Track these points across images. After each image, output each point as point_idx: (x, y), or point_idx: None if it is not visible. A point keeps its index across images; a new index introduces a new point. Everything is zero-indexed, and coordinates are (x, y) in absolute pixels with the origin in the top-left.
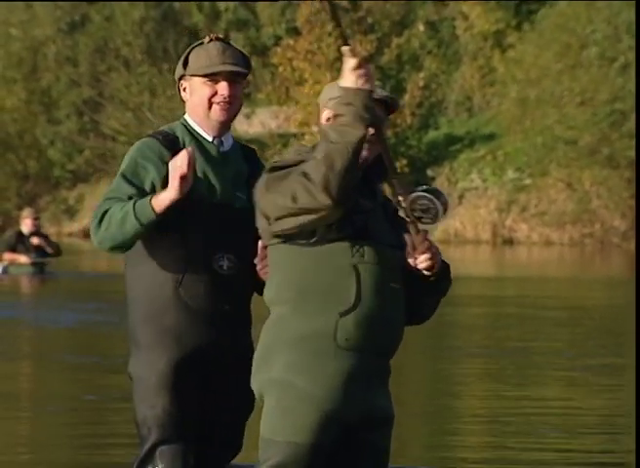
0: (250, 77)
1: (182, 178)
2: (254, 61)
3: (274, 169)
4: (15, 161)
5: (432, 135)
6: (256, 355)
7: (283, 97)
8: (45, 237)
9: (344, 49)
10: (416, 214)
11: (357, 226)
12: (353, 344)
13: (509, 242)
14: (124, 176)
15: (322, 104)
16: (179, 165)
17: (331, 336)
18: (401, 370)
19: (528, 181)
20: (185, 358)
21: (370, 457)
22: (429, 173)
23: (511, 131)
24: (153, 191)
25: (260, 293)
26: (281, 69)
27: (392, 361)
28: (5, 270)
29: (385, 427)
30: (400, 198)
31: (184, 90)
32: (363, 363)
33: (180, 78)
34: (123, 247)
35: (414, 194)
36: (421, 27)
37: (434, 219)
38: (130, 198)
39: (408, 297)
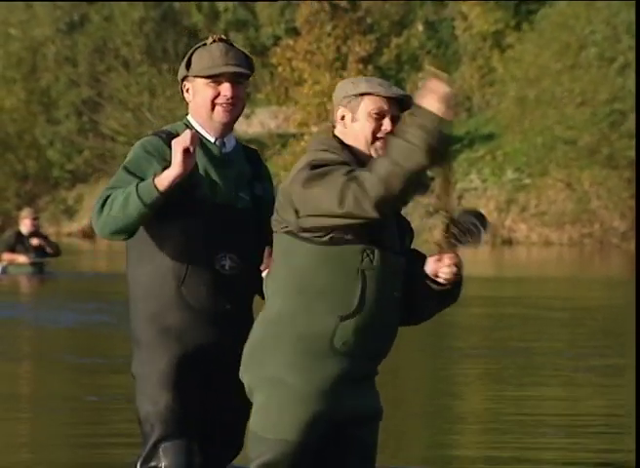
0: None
1: (186, 153)
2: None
3: (315, 166)
4: (14, 161)
5: None
6: (248, 347)
7: (282, 98)
8: (44, 237)
9: (430, 68)
10: (456, 233)
11: (374, 232)
12: (349, 349)
13: (508, 242)
14: (126, 169)
15: (336, 102)
16: (181, 141)
17: (328, 339)
18: (401, 370)
19: (527, 181)
20: (187, 357)
21: (358, 452)
22: (428, 173)
23: (510, 130)
24: None
25: (262, 294)
26: (280, 69)
27: (392, 361)
28: (4, 270)
29: (373, 423)
30: (445, 213)
31: (187, 91)
32: (355, 366)
33: (183, 79)
34: (125, 232)
35: (462, 214)
36: (420, 27)
37: (475, 243)
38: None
39: (411, 298)
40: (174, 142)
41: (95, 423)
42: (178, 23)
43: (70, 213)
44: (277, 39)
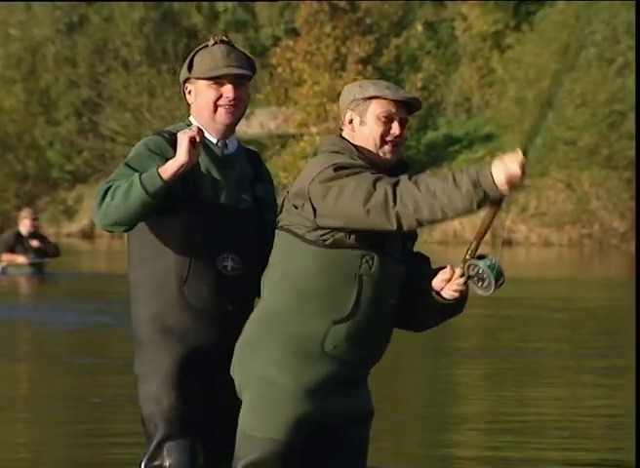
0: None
1: (192, 143)
2: None
3: (340, 167)
4: (13, 162)
5: (431, 135)
6: (240, 344)
7: (282, 98)
8: (43, 238)
9: (519, 153)
10: (471, 275)
11: (376, 238)
12: (339, 353)
13: (508, 243)
14: (128, 165)
15: (344, 106)
16: (188, 132)
17: (319, 341)
18: (401, 371)
19: (527, 182)
20: (190, 357)
21: (350, 452)
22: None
23: (510, 130)
24: None
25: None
26: (280, 70)
27: (392, 361)
28: (4, 271)
29: (365, 423)
30: (470, 253)
31: (189, 93)
32: (345, 370)
33: (185, 81)
34: (126, 223)
35: (485, 261)
36: (420, 28)
37: (483, 292)
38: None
39: (411, 305)
40: (180, 133)
41: (95, 423)
42: (177, 24)
43: (70, 213)
44: (277, 40)
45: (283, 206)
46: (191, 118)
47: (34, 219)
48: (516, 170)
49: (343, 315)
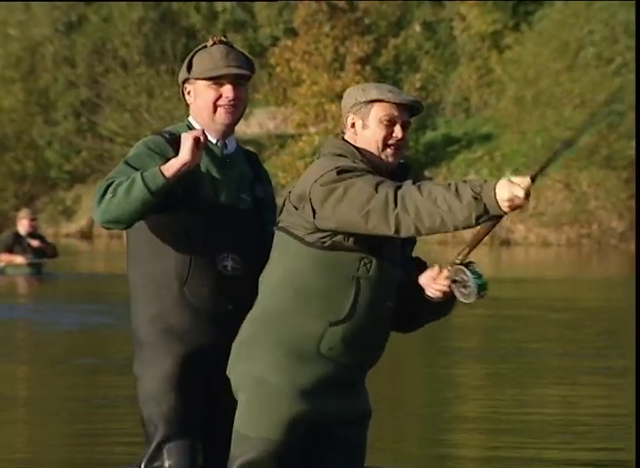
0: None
1: (196, 143)
2: None
3: (343, 171)
4: (12, 162)
5: (430, 135)
6: (236, 344)
7: (280, 98)
8: (41, 238)
9: (527, 179)
10: (457, 280)
11: (374, 241)
12: (335, 355)
13: (507, 243)
14: (127, 163)
15: (346, 109)
16: (193, 132)
17: (315, 342)
18: (400, 371)
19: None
20: (190, 357)
21: (347, 453)
22: (427, 173)
23: (509, 130)
24: None
25: None
26: (278, 70)
27: (391, 362)
28: (2, 271)
29: (362, 424)
30: (459, 260)
31: (188, 93)
32: (340, 372)
33: (184, 81)
34: (126, 220)
35: (468, 268)
36: (418, 28)
37: (463, 299)
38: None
39: (405, 306)
40: (184, 133)
41: (95, 424)
42: (176, 24)
43: (68, 213)
44: (275, 40)
45: (283, 206)
46: (190, 118)
47: (32, 220)
48: (520, 193)
49: (340, 317)
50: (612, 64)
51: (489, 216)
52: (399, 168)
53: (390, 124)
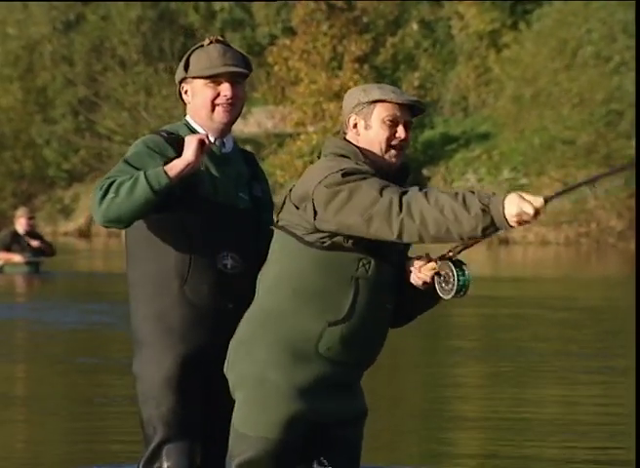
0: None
1: (201, 144)
2: None
3: (347, 174)
4: (10, 160)
5: (428, 134)
6: (234, 343)
7: (279, 97)
8: (39, 236)
9: (540, 199)
10: (442, 274)
11: (373, 242)
12: (333, 355)
13: (505, 242)
14: (127, 162)
15: (347, 110)
16: (197, 135)
17: (314, 342)
18: (399, 370)
19: (524, 181)
20: (190, 356)
21: (344, 452)
22: (425, 172)
23: (507, 129)
24: None
25: None
26: (276, 69)
27: (390, 361)
28: (0, 270)
29: (358, 423)
30: (448, 255)
31: (186, 92)
32: (337, 372)
33: (181, 81)
34: (126, 220)
35: (455, 266)
36: (415, 27)
37: (443, 294)
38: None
39: (400, 300)
40: (189, 136)
41: (94, 422)
42: (174, 23)
43: (67, 212)
44: (273, 38)
45: (283, 205)
46: (187, 117)
47: (30, 218)
48: (530, 211)
49: (339, 317)
50: (610, 63)
51: (495, 229)
52: (401, 168)
53: (393, 124)
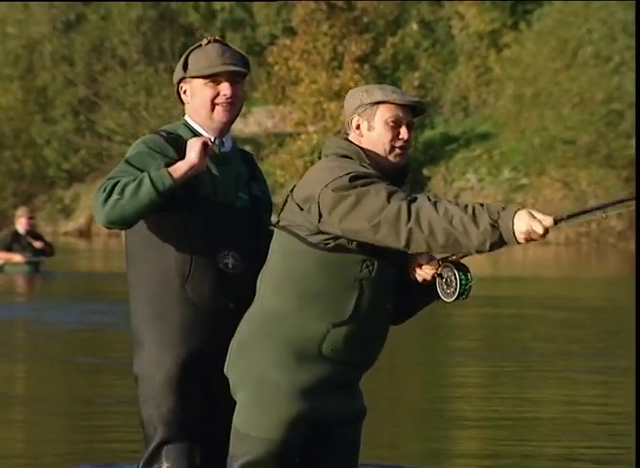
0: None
1: (205, 147)
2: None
3: (355, 178)
4: (10, 160)
5: (428, 134)
6: (235, 343)
7: (279, 97)
8: (39, 236)
9: (550, 219)
10: (444, 276)
11: (377, 246)
12: (337, 356)
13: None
14: (128, 162)
15: (349, 111)
16: (201, 138)
17: (317, 343)
18: (399, 370)
19: (524, 181)
20: (191, 356)
21: (342, 452)
22: (425, 172)
23: (507, 128)
24: None
25: None
26: (277, 69)
27: (390, 360)
28: (0, 269)
29: (357, 423)
30: (451, 258)
31: (184, 92)
32: (340, 372)
33: (180, 81)
34: (130, 221)
35: (459, 270)
36: (415, 26)
37: (444, 297)
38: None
39: (402, 299)
40: (192, 139)
41: (94, 421)
42: (174, 23)
43: (67, 212)
44: (274, 38)
45: (285, 204)
46: (186, 117)
47: (30, 218)
48: (539, 230)
49: (343, 318)
50: (610, 63)
51: (503, 244)
52: (402, 167)
53: (396, 125)
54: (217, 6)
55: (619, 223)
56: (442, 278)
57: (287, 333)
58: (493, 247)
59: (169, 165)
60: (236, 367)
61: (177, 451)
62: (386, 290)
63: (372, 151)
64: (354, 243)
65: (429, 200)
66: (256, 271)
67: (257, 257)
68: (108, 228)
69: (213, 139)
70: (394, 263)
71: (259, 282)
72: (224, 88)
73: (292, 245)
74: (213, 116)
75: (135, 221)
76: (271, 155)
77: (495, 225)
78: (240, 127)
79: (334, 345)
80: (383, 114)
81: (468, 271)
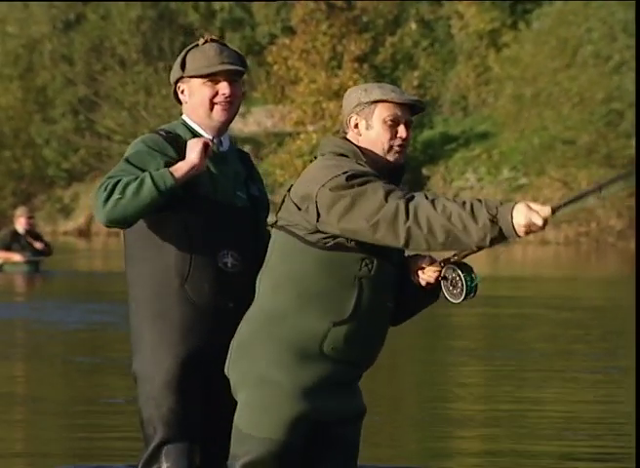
0: (245, 76)
1: (206, 147)
2: (249, 61)
3: (352, 177)
4: (10, 160)
5: (427, 134)
6: (236, 343)
7: (278, 96)
8: (38, 236)
9: (548, 209)
10: (448, 277)
11: (376, 244)
12: (337, 354)
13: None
14: (128, 161)
15: (348, 110)
16: (202, 138)
17: (318, 342)
18: (399, 370)
19: (523, 180)
20: (191, 356)
21: (342, 451)
22: (424, 172)
23: (507, 128)
24: None
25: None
26: (276, 68)
27: (390, 360)
28: (0, 269)
29: (357, 422)
30: (453, 259)
31: (182, 92)
32: (341, 371)
33: (178, 80)
34: (130, 221)
35: (463, 270)
36: (414, 26)
37: (451, 298)
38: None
39: (401, 299)
40: (193, 139)
41: (94, 420)
42: (174, 22)
43: (66, 211)
44: (273, 38)
45: (282, 204)
46: (184, 117)
47: (30, 217)
48: (539, 222)
49: (344, 317)
50: (610, 63)
51: (503, 239)
52: (399, 166)
53: (394, 124)
54: (216, 6)
55: (618, 223)
56: (447, 280)
57: (287, 333)
58: (493, 242)
59: (168, 164)
60: (237, 367)
61: (177, 451)
62: (386, 288)
63: (369, 150)
64: (353, 241)
65: (427, 198)
66: (255, 270)
67: (256, 257)
68: (108, 227)
69: (211, 139)
70: (393, 262)
71: (258, 282)
72: (223, 87)
73: (290, 244)
74: (211, 115)
75: (135, 221)
76: (271, 155)
77: (494, 220)
78: (239, 126)
79: (334, 344)
80: (381, 113)
81: (472, 270)
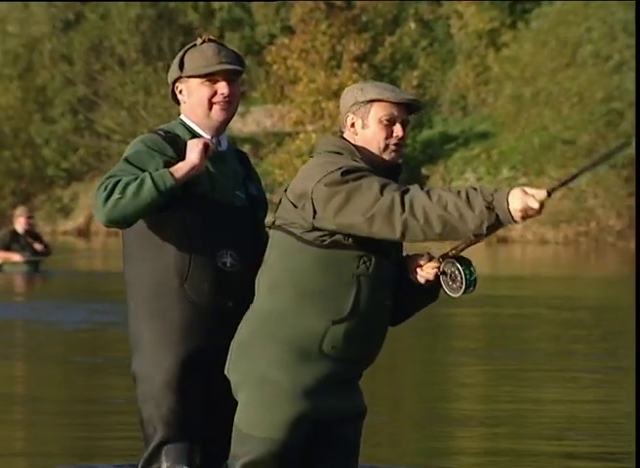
0: (244, 76)
1: (206, 148)
2: (248, 60)
3: (347, 172)
4: (9, 159)
5: (427, 133)
6: (236, 344)
7: (277, 96)
8: (37, 236)
9: (543, 192)
10: (447, 272)
11: (373, 240)
12: (337, 353)
13: (504, 240)
14: (128, 161)
15: (345, 109)
16: (202, 139)
17: (318, 341)
18: (399, 369)
19: (523, 180)
20: (191, 355)
21: (343, 451)
22: (424, 171)
23: (506, 128)
24: None
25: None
26: (275, 68)
27: (390, 360)
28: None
29: (358, 421)
30: (451, 254)
31: (180, 92)
32: (341, 370)
33: (175, 81)
34: (130, 221)
35: (462, 263)
36: (413, 25)
37: (451, 292)
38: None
39: (399, 298)
40: (193, 140)
41: (94, 419)
42: (173, 22)
43: (66, 211)
44: (272, 38)
45: (280, 204)
46: (182, 116)
47: (29, 217)
48: (535, 205)
49: (342, 315)
50: (610, 62)
51: (500, 225)
52: (396, 165)
53: (390, 123)
54: (215, 5)
55: (618, 222)
56: (446, 275)
57: (287, 333)
58: (490, 229)
59: (167, 164)
60: (237, 367)
61: (177, 451)
62: (384, 286)
63: (365, 149)
64: (350, 239)
65: (422, 189)
66: (254, 270)
67: (255, 256)
68: (108, 227)
69: (210, 139)
70: (391, 259)
71: (257, 282)
72: (222, 87)
73: (288, 243)
74: (210, 115)
75: (135, 221)
76: (270, 154)
77: (490, 207)
78: (239, 126)
79: (334, 343)
80: (377, 112)
81: (471, 263)
